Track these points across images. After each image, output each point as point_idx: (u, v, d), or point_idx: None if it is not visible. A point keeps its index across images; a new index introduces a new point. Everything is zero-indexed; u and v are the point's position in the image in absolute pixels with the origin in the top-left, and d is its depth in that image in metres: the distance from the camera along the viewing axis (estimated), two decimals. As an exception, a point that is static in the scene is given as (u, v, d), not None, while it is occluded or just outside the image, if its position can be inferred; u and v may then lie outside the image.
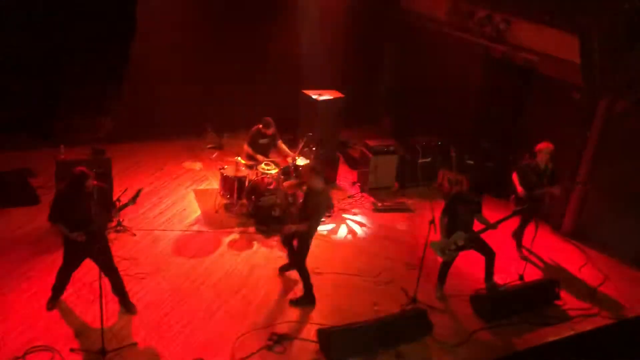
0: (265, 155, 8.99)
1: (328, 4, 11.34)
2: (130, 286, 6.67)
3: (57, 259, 6.42)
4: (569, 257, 8.68)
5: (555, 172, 7.95)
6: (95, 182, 6.02)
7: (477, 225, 7.16)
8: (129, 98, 9.49)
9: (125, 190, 6.53)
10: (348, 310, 6.94)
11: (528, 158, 8.10)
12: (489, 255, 7.24)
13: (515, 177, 8.01)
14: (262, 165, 8.72)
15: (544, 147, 7.83)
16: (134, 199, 6.05)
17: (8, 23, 3.55)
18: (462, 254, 7.24)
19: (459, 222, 7.03)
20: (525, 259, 8.06)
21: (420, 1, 11.71)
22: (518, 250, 8.46)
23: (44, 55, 3.93)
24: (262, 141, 8.93)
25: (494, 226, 7.17)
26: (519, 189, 7.91)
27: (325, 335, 6.18)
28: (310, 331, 6.45)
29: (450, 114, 10.72)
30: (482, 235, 7.18)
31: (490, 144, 8.50)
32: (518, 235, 8.42)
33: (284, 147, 9.06)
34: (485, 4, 9.96)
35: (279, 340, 6.25)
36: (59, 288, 6.39)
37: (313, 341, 6.29)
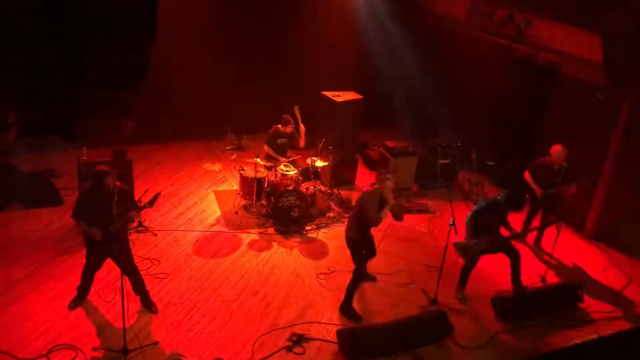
0: (284, 155, 9.02)
1: (347, 5, 11.34)
2: (151, 286, 6.74)
3: (80, 258, 6.51)
4: (593, 259, 8.55)
5: (570, 171, 7.96)
6: (118, 183, 6.10)
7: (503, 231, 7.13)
8: (150, 100, 9.61)
9: (146, 190, 6.59)
10: (367, 311, 6.92)
11: (542, 158, 8.09)
12: (515, 257, 7.16)
13: (528, 177, 8.02)
14: (281, 167, 8.76)
15: (559, 149, 7.88)
16: (151, 203, 6.09)
17: (31, 27, 3.60)
18: (483, 256, 7.17)
19: (486, 226, 6.95)
20: (542, 259, 8.03)
21: (441, 2, 11.65)
22: (536, 246, 8.54)
23: (67, 58, 3.98)
24: (281, 141, 8.98)
25: (522, 235, 7.04)
26: (537, 189, 7.98)
27: (344, 336, 6.17)
28: (329, 332, 6.44)
29: (471, 114, 10.63)
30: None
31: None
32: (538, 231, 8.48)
33: (303, 131, 9.05)
34: (506, 4, 9.86)
35: (298, 341, 6.25)
36: (83, 288, 6.48)
37: (332, 342, 6.28)
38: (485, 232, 6.90)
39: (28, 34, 3.61)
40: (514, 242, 7.23)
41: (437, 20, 11.54)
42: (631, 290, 7.80)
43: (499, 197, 6.94)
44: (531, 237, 8.58)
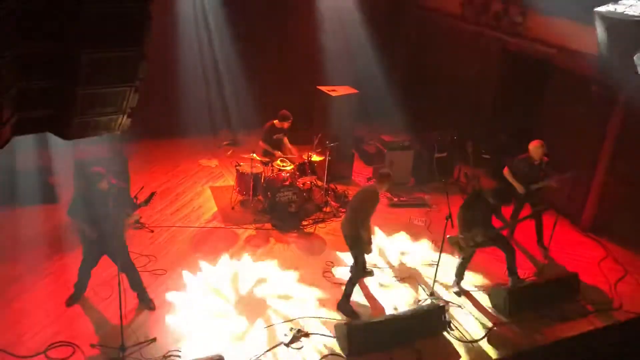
0: (279, 150, 9.01)
1: (342, 0, 11.32)
2: (148, 282, 6.73)
3: (76, 256, 6.50)
4: (589, 251, 8.58)
5: (548, 165, 7.99)
6: (114, 181, 6.10)
7: (495, 222, 7.12)
8: (146, 96, 9.56)
9: (142, 188, 6.59)
10: (365, 305, 6.94)
11: (522, 155, 8.10)
12: (510, 250, 7.18)
13: (507, 174, 8.06)
14: (278, 162, 8.75)
15: (537, 145, 7.90)
16: (147, 201, 6.13)
17: (26, 24, 3.58)
18: (479, 249, 7.19)
19: (478, 219, 6.97)
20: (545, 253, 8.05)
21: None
22: (539, 244, 8.51)
23: (62, 55, 3.96)
24: (277, 136, 8.96)
25: (511, 225, 7.04)
26: (517, 186, 7.99)
27: (343, 330, 6.18)
28: (328, 326, 6.45)
29: (467, 108, 10.64)
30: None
31: (506, 137, 8.56)
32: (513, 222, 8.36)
33: (287, 143, 9.10)
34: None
35: (296, 335, 6.27)
36: (80, 285, 6.48)
37: (331, 336, 6.30)
38: (476, 226, 6.92)
39: (22, 31, 3.60)
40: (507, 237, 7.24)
41: (433, 13, 11.53)
42: (627, 282, 7.84)
43: (484, 192, 6.97)
44: (526, 232, 8.59)
